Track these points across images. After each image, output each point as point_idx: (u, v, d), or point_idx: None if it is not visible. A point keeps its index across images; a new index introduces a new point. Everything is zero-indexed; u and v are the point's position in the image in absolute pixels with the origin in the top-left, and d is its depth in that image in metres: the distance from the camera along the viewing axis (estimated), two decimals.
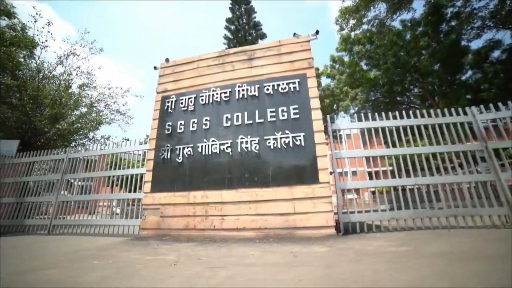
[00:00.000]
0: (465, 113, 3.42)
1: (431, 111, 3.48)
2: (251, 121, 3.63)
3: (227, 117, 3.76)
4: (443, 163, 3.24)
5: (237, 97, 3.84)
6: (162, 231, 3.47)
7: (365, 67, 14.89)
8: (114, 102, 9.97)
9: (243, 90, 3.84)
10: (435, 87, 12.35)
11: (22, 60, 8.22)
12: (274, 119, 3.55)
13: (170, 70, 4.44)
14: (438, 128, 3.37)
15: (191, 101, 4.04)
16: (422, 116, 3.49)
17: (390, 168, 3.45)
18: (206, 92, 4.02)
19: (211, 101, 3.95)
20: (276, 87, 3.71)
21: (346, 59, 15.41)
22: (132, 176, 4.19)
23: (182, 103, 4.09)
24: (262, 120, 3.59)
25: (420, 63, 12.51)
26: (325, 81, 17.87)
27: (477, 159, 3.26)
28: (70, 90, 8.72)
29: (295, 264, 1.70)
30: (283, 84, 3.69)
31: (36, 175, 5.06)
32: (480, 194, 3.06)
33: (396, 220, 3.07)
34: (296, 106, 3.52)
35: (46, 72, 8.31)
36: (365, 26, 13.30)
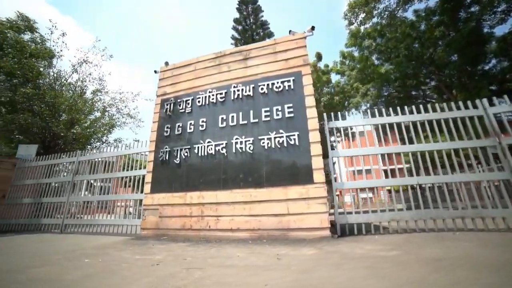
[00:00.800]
0: (475, 106, 3.15)
1: (436, 105, 3.24)
2: (245, 121, 3.61)
3: (222, 118, 3.78)
4: (449, 161, 3.01)
5: (232, 98, 3.84)
6: (161, 231, 3.55)
7: (376, 62, 14.28)
8: (125, 106, 10.45)
9: (238, 90, 3.84)
10: (453, 79, 11.53)
11: (42, 69, 8.84)
12: (268, 118, 3.50)
13: (169, 73, 4.54)
14: (444, 123, 3.14)
15: (188, 103, 4.11)
16: (426, 111, 3.27)
17: (392, 167, 3.28)
18: (202, 94, 4.07)
19: (207, 102, 3.99)
20: (270, 86, 3.66)
21: (356, 54, 14.87)
22: (136, 177, 4.33)
23: (180, 105, 4.17)
24: (256, 120, 3.56)
25: (435, 55, 11.75)
26: (335, 77, 17.41)
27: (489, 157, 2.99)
28: (84, 96, 9.26)
29: (274, 267, 1.66)
30: (277, 82, 3.63)
31: (56, 177, 5.34)
32: (493, 194, 2.81)
33: (397, 221, 2.90)
34: (291, 104, 3.45)
35: (63, 80, 8.90)
36: (375, 19, 12.75)
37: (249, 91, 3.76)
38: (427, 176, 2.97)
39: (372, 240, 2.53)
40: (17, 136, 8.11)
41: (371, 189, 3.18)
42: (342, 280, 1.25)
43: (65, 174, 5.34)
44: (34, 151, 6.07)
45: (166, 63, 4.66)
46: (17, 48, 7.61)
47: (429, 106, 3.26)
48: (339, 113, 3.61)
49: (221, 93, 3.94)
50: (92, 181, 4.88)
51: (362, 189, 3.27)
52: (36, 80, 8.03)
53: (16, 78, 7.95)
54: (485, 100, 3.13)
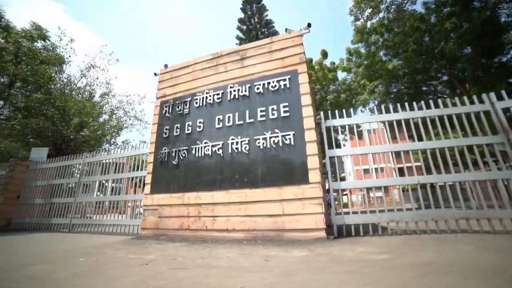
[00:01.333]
0: (481, 101, 2.98)
1: (439, 101, 3.10)
2: (241, 122, 3.60)
3: (219, 119, 3.79)
4: (453, 159, 2.86)
5: (228, 98, 3.84)
6: (160, 231, 3.61)
7: (384, 58, 13.86)
8: (132, 109, 10.74)
9: (234, 90, 3.83)
10: (465, 73, 10.98)
11: (53, 74, 9.24)
12: (264, 118, 3.48)
13: (168, 75, 4.61)
14: (447, 120, 2.99)
15: (186, 105, 4.15)
16: (428, 107, 3.12)
17: (392, 165, 3.16)
18: (200, 95, 4.09)
19: (204, 103, 4.01)
20: (266, 86, 3.63)
21: (362, 50, 14.50)
22: (141, 177, 4.43)
23: (178, 106, 4.22)
24: (252, 120, 3.54)
25: (447, 48, 11.25)
26: (341, 75, 17.07)
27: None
28: (93, 100, 9.62)
29: (257, 269, 1.64)
30: (273, 82, 3.59)
31: (64, 178, 5.53)
32: (500, 193, 2.64)
33: (397, 222, 2.80)
34: (287, 103, 3.41)
35: (72, 85, 9.28)
36: (381, 14, 12.40)
37: (245, 91, 3.75)
38: (428, 175, 2.84)
39: (368, 242, 2.45)
40: (31, 140, 8.53)
41: (370, 188, 3.08)
42: (318, 285, 1.21)
43: (77, 175, 5.53)
44: (45, 153, 6.36)
45: (166, 66, 4.73)
46: (29, 55, 8.01)
47: (431, 102, 3.11)
48: (336, 111, 3.52)
49: (218, 94, 3.95)
50: (104, 182, 5.01)
51: (360, 189, 3.17)
52: (47, 85, 8.40)
53: (29, 84, 8.35)
54: (492, 94, 2.95)
